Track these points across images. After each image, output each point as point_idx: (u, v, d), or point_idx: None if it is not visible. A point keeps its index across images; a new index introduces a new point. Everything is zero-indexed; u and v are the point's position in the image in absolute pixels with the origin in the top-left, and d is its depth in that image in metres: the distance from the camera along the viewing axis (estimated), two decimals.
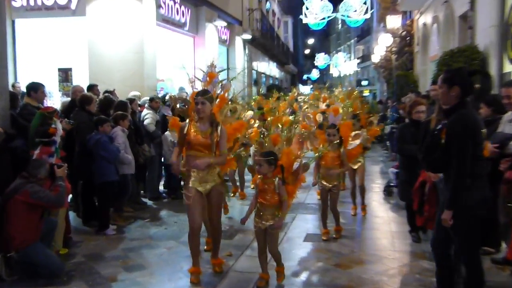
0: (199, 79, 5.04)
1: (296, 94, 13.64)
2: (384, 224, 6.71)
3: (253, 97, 9.46)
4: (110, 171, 6.19)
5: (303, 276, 4.81)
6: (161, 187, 8.65)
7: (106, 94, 7.69)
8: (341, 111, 6.43)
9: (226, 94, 5.06)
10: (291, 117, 10.10)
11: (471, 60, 7.84)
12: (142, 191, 8.20)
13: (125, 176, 6.55)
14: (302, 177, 4.55)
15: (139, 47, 10.86)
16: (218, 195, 4.70)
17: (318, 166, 5.97)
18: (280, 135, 4.59)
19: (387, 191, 8.49)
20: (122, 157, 6.38)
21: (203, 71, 5.09)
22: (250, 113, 6.80)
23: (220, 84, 5.03)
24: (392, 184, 8.43)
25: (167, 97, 9.39)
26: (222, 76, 5.24)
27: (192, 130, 4.52)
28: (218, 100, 4.95)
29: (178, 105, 5.24)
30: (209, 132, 4.48)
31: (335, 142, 5.86)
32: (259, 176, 4.42)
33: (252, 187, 8.34)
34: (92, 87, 8.18)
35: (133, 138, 7.03)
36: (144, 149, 7.43)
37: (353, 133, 6.28)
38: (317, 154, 5.82)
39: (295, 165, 4.48)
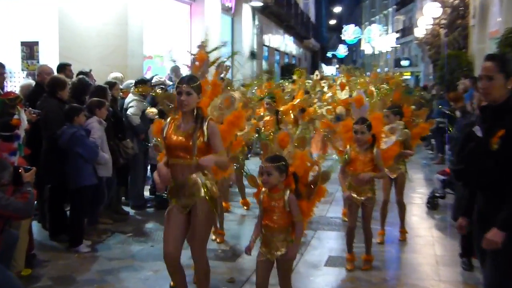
0: (186, 66, 4.99)
1: (318, 77, 13.54)
2: (426, 246, 6.72)
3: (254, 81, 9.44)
4: (88, 173, 6.27)
5: None
6: (146, 193, 8.73)
7: (81, 76, 7.74)
8: (365, 101, 6.24)
9: (219, 77, 4.94)
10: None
11: None
12: (123, 198, 8.28)
13: (100, 180, 6.61)
14: (321, 190, 4.35)
15: (122, 18, 10.88)
16: (202, 218, 4.25)
17: (343, 173, 5.79)
18: (290, 134, 4.46)
19: (431, 204, 8.49)
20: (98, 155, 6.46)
21: (192, 54, 4.96)
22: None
23: (215, 64, 4.94)
24: (438, 194, 8.47)
25: (154, 80, 9.45)
26: (224, 54, 5.27)
27: (171, 131, 4.29)
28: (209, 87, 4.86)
29: (165, 103, 5.00)
30: (191, 130, 4.20)
31: (365, 141, 5.63)
32: (263, 189, 4.23)
33: (245, 208, 8.38)
34: (63, 67, 8.20)
35: (112, 131, 7.09)
36: (126, 146, 7.48)
37: (386, 127, 6.04)
38: (343, 157, 5.71)
39: (312, 174, 4.35)
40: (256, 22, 21.95)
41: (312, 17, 42.87)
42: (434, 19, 21.94)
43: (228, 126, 4.82)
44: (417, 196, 9.41)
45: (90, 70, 8.59)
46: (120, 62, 10.72)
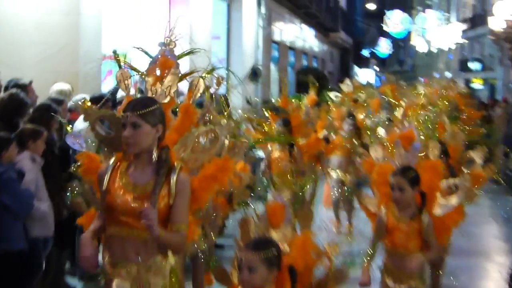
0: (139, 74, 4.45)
1: (350, 88, 13.31)
2: None
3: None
4: (15, 232, 6.16)
5: None
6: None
7: (14, 90, 7.74)
8: (418, 138, 5.94)
9: (193, 98, 4.40)
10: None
11: None
12: (67, 265, 8.16)
13: (35, 242, 6.46)
14: None
15: (73, 4, 10.97)
16: None
17: (374, 245, 5.39)
18: (283, 202, 4.03)
19: None
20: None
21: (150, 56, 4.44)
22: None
23: (188, 78, 4.43)
24: None
25: (120, 95, 9.41)
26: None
27: (116, 183, 3.88)
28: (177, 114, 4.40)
29: (98, 129, 4.36)
30: (149, 186, 3.80)
31: (408, 203, 5.20)
32: None
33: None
34: None
35: (55, 170, 7.06)
36: (73, 190, 7.39)
37: (444, 183, 5.58)
38: (375, 225, 5.35)
39: (322, 269, 3.89)
40: (263, 10, 22.18)
41: (342, 1, 43.19)
42: None
43: (205, 182, 4.10)
44: (492, 267, 9.36)
45: (30, 82, 8.56)
46: (68, 67, 10.74)
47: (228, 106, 5.20)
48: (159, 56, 4.29)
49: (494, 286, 8.62)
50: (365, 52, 62.81)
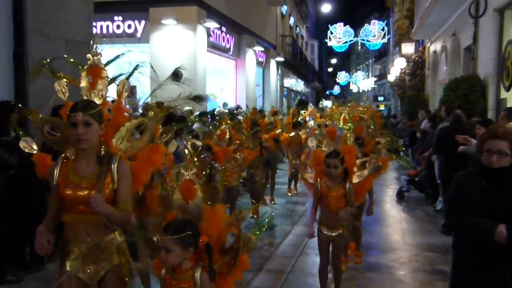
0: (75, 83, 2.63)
1: (312, 107, 12.13)
2: (396, 222, 6.82)
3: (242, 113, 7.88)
4: None
5: None
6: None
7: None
8: (338, 133, 4.53)
9: (123, 98, 2.67)
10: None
11: (473, 87, 8.18)
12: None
13: None
14: (244, 261, 2.41)
15: (193, 70, 11.24)
16: (117, 286, 2.45)
17: (315, 209, 3.98)
18: (195, 182, 2.45)
19: (400, 196, 8.54)
20: None
21: (81, 66, 2.61)
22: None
23: (117, 82, 2.69)
24: (404, 189, 8.56)
25: (216, 111, 9.61)
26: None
27: (65, 177, 2.38)
28: (111, 113, 2.61)
29: (46, 129, 2.57)
30: (95, 175, 2.37)
31: (337, 176, 3.82)
32: (163, 268, 2.33)
33: (254, 216, 6.28)
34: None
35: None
36: None
37: (358, 161, 4.32)
38: (314, 191, 3.98)
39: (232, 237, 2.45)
40: (279, 71, 22.17)
41: (316, 67, 43.14)
42: (401, 69, 22.14)
43: (143, 166, 2.58)
44: (390, 190, 9.36)
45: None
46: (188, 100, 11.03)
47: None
48: (89, 65, 2.60)
49: (390, 198, 8.55)
50: (327, 92, 62.59)
